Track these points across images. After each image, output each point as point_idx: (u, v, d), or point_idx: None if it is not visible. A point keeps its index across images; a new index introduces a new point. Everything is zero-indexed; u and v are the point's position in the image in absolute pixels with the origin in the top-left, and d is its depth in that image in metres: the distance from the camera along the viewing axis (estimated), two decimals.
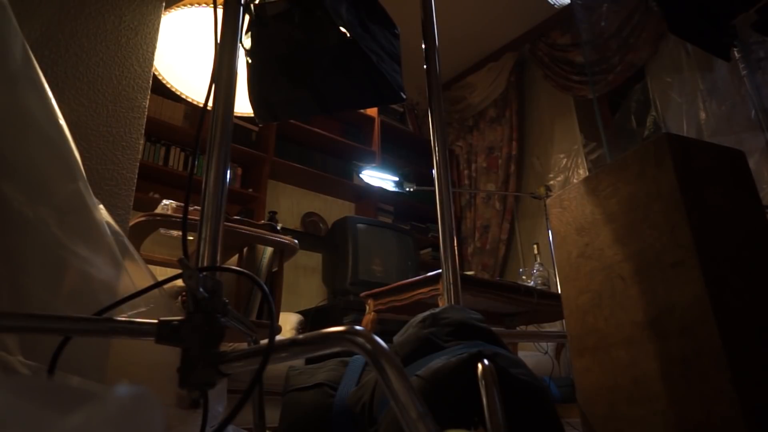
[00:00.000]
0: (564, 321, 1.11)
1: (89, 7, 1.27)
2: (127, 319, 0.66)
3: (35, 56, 0.80)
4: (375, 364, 0.52)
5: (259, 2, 0.93)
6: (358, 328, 0.55)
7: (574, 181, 3.67)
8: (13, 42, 0.75)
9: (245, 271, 0.78)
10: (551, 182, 3.98)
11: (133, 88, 1.32)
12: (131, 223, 1.35)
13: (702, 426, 0.79)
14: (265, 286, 0.68)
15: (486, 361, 0.67)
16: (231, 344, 1.78)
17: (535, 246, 2.98)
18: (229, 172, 0.74)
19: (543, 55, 4.12)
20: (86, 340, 0.79)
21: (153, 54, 1.39)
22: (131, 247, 0.93)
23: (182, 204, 1.55)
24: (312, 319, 3.07)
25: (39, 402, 0.24)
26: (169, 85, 1.54)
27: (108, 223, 0.88)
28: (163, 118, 3.20)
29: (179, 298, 1.45)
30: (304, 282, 3.73)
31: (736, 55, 2.90)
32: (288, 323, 2.87)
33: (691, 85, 3.20)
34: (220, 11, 0.83)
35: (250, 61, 0.98)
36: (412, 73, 2.64)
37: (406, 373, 0.52)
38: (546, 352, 2.77)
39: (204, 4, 1.39)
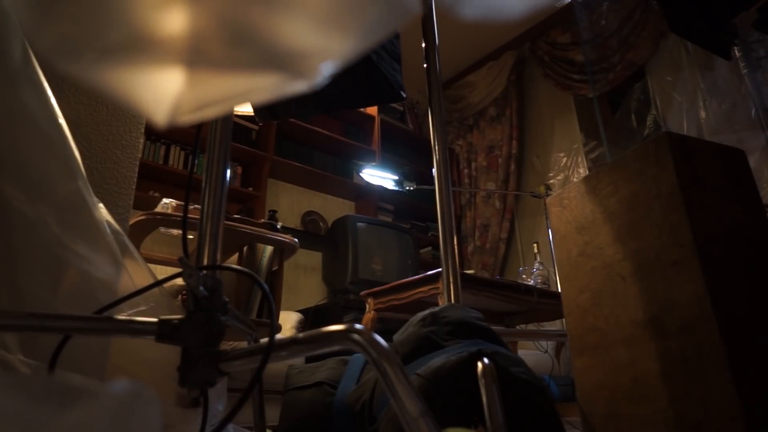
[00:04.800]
0: (564, 320, 1.11)
1: None
2: (127, 317, 0.66)
3: (35, 55, 0.80)
4: (375, 363, 0.52)
5: None
6: (358, 326, 0.55)
7: (574, 179, 3.67)
8: (12, 41, 0.75)
9: (245, 269, 0.78)
10: (551, 181, 3.98)
11: None
12: (131, 222, 1.35)
13: (702, 425, 0.79)
14: (265, 285, 0.68)
15: (486, 360, 0.67)
16: (231, 343, 1.78)
17: (535, 245, 2.98)
18: (229, 170, 0.74)
19: (543, 54, 4.12)
20: (86, 339, 0.79)
21: None
22: (131, 246, 0.93)
23: (182, 203, 1.55)
24: (312, 317, 3.07)
25: (36, 399, 0.24)
26: None
27: (108, 222, 0.88)
28: None
29: (179, 296, 1.45)
30: (304, 281, 3.74)
31: (737, 53, 2.90)
32: (288, 322, 2.87)
33: (692, 84, 3.19)
34: None
35: None
36: (412, 72, 2.64)
37: (406, 372, 0.52)
38: (546, 351, 2.77)
39: None
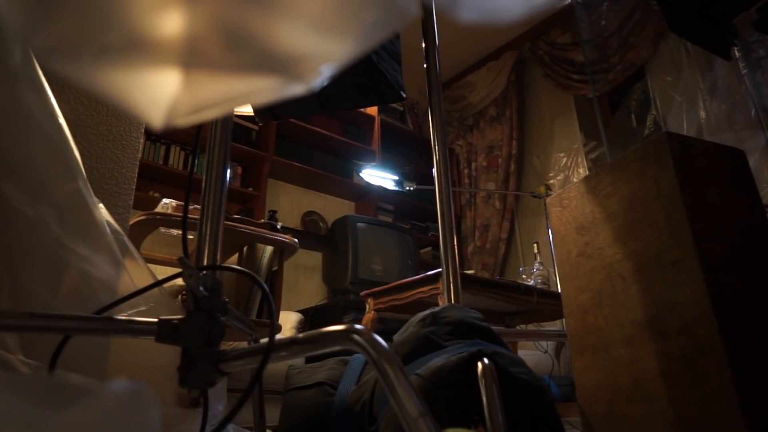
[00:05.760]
0: (564, 320, 1.11)
1: None
2: (127, 318, 0.66)
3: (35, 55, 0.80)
4: (375, 363, 0.52)
5: None
6: (358, 327, 0.55)
7: (574, 180, 3.66)
8: (13, 41, 0.75)
9: (245, 270, 0.78)
10: (551, 181, 3.98)
11: None
12: (131, 222, 1.35)
13: (702, 425, 0.79)
14: (265, 285, 0.68)
15: (486, 360, 0.67)
16: (231, 343, 1.78)
17: (535, 245, 2.98)
18: (229, 170, 0.74)
19: (543, 54, 4.12)
20: (86, 339, 0.79)
21: None
22: (131, 246, 0.93)
23: (182, 203, 1.55)
24: (312, 318, 3.07)
25: (36, 399, 0.24)
26: None
27: (108, 222, 0.88)
28: None
29: (179, 297, 1.45)
30: (304, 281, 3.74)
31: (737, 53, 2.90)
32: (288, 322, 2.87)
33: (692, 84, 3.19)
34: None
35: None
36: (412, 72, 2.64)
37: (406, 372, 0.52)
38: (546, 351, 2.77)
39: None
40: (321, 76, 0.26)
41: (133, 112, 0.27)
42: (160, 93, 0.26)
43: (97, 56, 0.24)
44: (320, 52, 0.25)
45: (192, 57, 0.25)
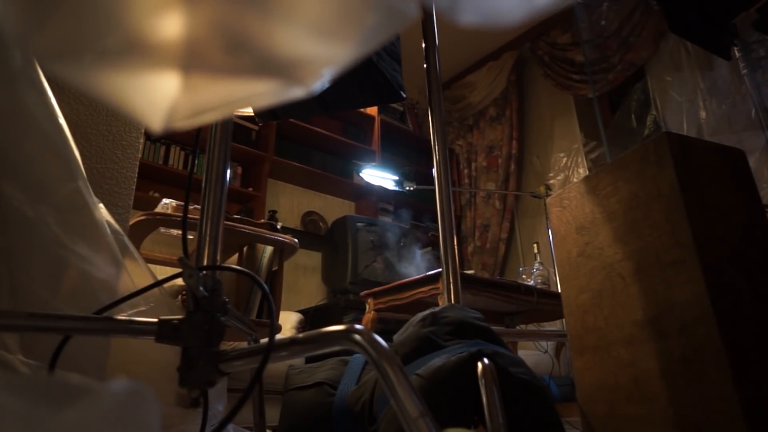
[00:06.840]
0: (564, 320, 1.11)
1: None
2: (127, 318, 0.66)
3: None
4: (375, 364, 0.53)
5: None
6: (358, 327, 0.55)
7: (574, 180, 3.66)
8: (13, 42, 0.75)
9: (245, 270, 0.78)
10: (551, 181, 3.98)
11: None
12: (131, 222, 1.35)
13: (702, 425, 0.79)
14: (265, 285, 0.69)
15: (486, 360, 0.67)
16: (231, 343, 1.78)
17: (535, 245, 2.98)
18: (229, 171, 0.74)
19: (543, 54, 4.12)
20: (86, 339, 0.79)
21: None
22: (131, 246, 0.93)
23: (182, 203, 1.55)
24: (312, 318, 3.07)
25: (34, 398, 0.24)
26: None
27: (108, 222, 0.88)
28: None
29: (179, 297, 1.45)
30: (304, 281, 3.74)
31: (737, 53, 2.90)
32: (288, 322, 2.87)
33: (692, 84, 3.19)
34: None
35: None
36: (412, 72, 2.64)
37: (406, 372, 0.52)
38: (546, 351, 2.77)
39: None
40: (321, 79, 0.26)
41: (133, 116, 0.27)
42: (159, 96, 0.26)
43: (96, 59, 0.24)
44: (321, 56, 0.25)
45: (192, 60, 0.25)
